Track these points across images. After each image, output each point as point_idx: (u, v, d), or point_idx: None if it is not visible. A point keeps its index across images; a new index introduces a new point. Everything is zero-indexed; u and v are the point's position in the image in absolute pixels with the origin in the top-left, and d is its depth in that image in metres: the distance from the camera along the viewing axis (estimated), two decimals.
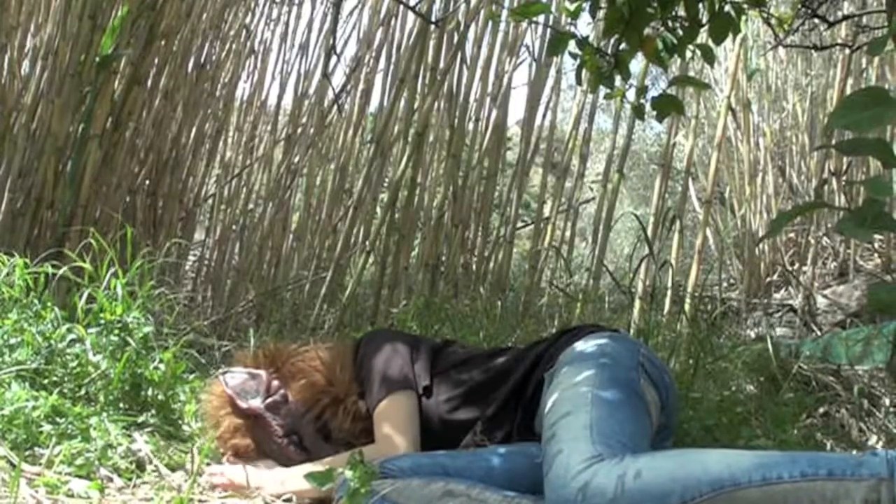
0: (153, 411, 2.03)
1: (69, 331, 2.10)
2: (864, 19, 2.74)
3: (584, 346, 1.71)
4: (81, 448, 1.65)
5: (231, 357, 2.07)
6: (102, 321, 2.14)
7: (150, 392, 2.07)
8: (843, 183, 3.64)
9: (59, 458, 1.60)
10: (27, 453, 1.65)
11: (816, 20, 2.17)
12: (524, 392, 1.76)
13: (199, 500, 1.58)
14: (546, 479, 1.40)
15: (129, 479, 1.64)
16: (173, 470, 1.75)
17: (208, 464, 1.83)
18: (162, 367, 2.12)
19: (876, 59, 4.34)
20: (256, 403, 1.86)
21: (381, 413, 1.79)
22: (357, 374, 1.89)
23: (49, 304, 2.22)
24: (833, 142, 3.28)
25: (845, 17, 2.63)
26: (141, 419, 1.97)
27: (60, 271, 2.34)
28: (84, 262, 2.30)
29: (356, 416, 1.83)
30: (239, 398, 1.86)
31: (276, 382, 1.90)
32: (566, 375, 1.62)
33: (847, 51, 3.77)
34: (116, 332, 2.12)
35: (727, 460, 1.31)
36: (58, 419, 1.77)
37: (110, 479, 1.61)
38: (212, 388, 1.95)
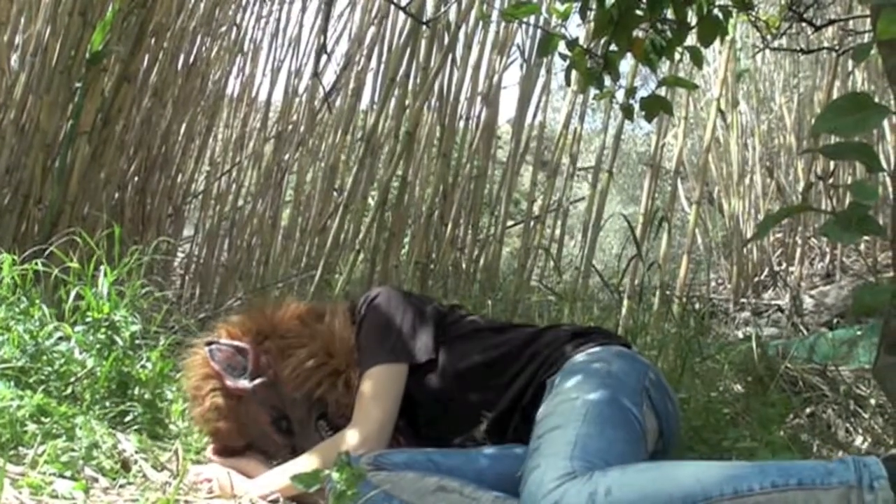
0: (140, 410, 2.02)
1: (56, 329, 2.10)
2: (851, 23, 2.75)
3: (592, 358, 1.64)
4: (66, 448, 1.64)
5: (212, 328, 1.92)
6: (89, 319, 2.13)
7: (136, 391, 2.06)
8: (830, 186, 3.66)
9: (43, 458, 1.59)
10: (11, 453, 1.64)
11: (803, 23, 2.18)
12: (525, 394, 1.69)
13: (185, 501, 1.58)
14: (521, 496, 1.38)
15: (114, 480, 1.63)
16: (159, 470, 1.75)
17: (197, 461, 1.82)
18: (149, 365, 2.12)
19: (862, 63, 4.36)
20: (244, 384, 1.74)
21: (365, 380, 1.70)
22: (356, 338, 1.77)
23: (36, 301, 2.21)
24: (820, 145, 3.30)
25: (831, 22, 2.64)
26: (127, 418, 1.97)
27: (50, 270, 2.34)
28: (72, 259, 2.29)
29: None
30: (226, 376, 1.74)
31: (264, 358, 1.77)
32: (565, 387, 1.56)
33: (834, 54, 3.78)
34: (103, 330, 2.11)
35: (698, 474, 1.31)
36: (43, 418, 1.76)
37: (95, 480, 1.60)
38: (194, 360, 1.82)
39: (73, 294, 2.20)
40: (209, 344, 1.78)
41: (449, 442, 1.73)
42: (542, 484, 1.33)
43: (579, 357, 1.65)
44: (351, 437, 1.63)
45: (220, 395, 1.76)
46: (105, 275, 2.21)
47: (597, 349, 1.67)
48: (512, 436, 1.69)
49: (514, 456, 1.62)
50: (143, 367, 2.10)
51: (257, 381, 1.75)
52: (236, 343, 1.78)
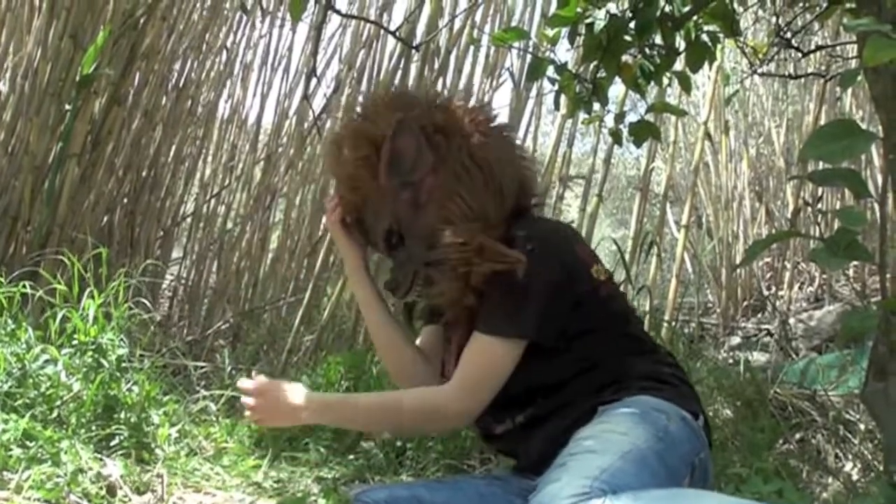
0: (126, 434, 2.00)
1: (42, 351, 2.08)
2: (838, 48, 2.79)
3: (654, 406, 1.48)
4: (51, 473, 1.63)
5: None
6: (76, 342, 2.12)
7: (123, 414, 2.05)
8: (818, 212, 3.69)
9: (28, 483, 1.58)
10: None
11: (791, 49, 2.20)
12: (577, 409, 1.52)
13: None
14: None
15: None
16: (143, 494, 1.73)
17: (184, 485, 1.81)
18: (136, 388, 2.10)
19: (849, 88, 4.39)
20: (393, 184, 1.55)
21: (491, 345, 1.51)
22: (502, 277, 1.50)
23: (23, 324, 2.20)
24: (809, 170, 3.32)
25: (818, 48, 2.68)
26: (113, 442, 1.95)
27: (36, 292, 2.32)
28: (59, 281, 2.28)
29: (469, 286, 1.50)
30: (390, 166, 1.55)
31: (430, 181, 1.56)
32: (616, 420, 1.44)
33: (822, 79, 3.82)
34: (90, 353, 2.10)
35: None
36: (28, 443, 1.75)
37: None
38: (364, 125, 1.61)
39: (59, 316, 2.18)
40: (402, 122, 1.56)
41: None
42: (556, 498, 1.25)
43: (644, 399, 1.49)
44: (451, 404, 1.52)
45: (365, 169, 1.58)
46: (92, 297, 2.20)
47: (663, 402, 1.50)
48: (520, 438, 1.58)
49: (501, 493, 1.54)
50: (130, 390, 2.09)
51: (406, 192, 1.58)
52: (425, 148, 1.57)
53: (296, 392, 1.56)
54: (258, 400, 1.53)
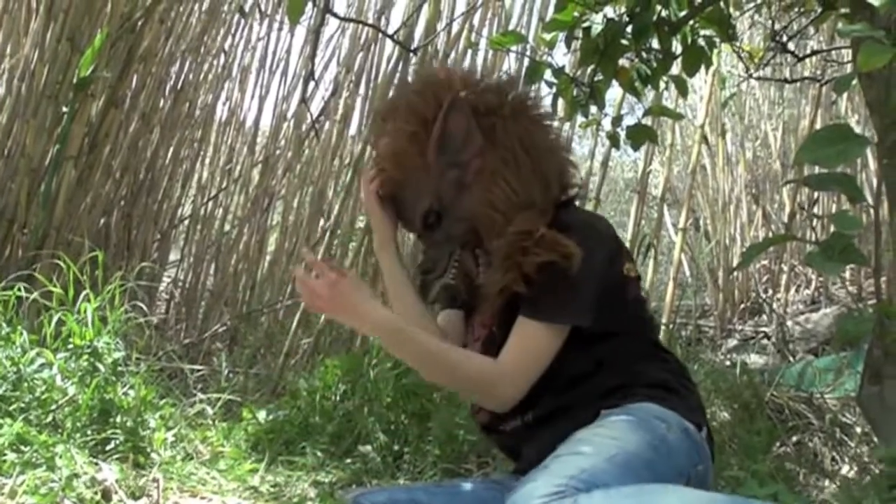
0: (122, 438, 2.00)
1: (38, 355, 2.08)
2: (833, 53, 2.80)
3: (655, 414, 1.46)
4: (46, 478, 1.63)
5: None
6: (72, 345, 2.11)
7: (118, 418, 2.04)
8: (812, 216, 3.69)
9: (22, 487, 1.58)
10: None
11: (787, 53, 2.21)
12: (584, 411, 1.50)
13: None
14: None
15: None
16: (139, 499, 1.73)
17: (180, 490, 1.80)
18: (132, 392, 2.10)
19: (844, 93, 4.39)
20: (439, 163, 1.53)
21: (541, 330, 1.49)
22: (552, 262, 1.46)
23: (19, 327, 2.20)
24: (804, 173, 3.33)
25: (814, 53, 2.69)
26: (109, 447, 1.94)
27: (31, 295, 2.32)
28: (55, 284, 2.28)
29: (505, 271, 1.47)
30: (440, 145, 1.53)
31: (477, 164, 1.54)
32: (610, 425, 1.42)
33: (817, 83, 3.83)
34: (86, 356, 2.10)
35: (685, 502, 1.26)
36: (22, 447, 1.74)
37: None
38: (415, 101, 1.57)
39: (55, 320, 2.18)
40: (454, 101, 1.53)
41: None
42: (530, 497, 1.24)
43: (646, 407, 1.48)
44: (505, 386, 1.50)
45: (412, 145, 1.56)
46: (88, 300, 2.20)
47: (666, 411, 1.48)
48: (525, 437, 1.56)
49: (500, 497, 1.51)
50: (126, 394, 2.08)
51: (452, 171, 1.56)
52: (475, 129, 1.55)
53: (369, 300, 1.50)
54: (333, 290, 1.46)
